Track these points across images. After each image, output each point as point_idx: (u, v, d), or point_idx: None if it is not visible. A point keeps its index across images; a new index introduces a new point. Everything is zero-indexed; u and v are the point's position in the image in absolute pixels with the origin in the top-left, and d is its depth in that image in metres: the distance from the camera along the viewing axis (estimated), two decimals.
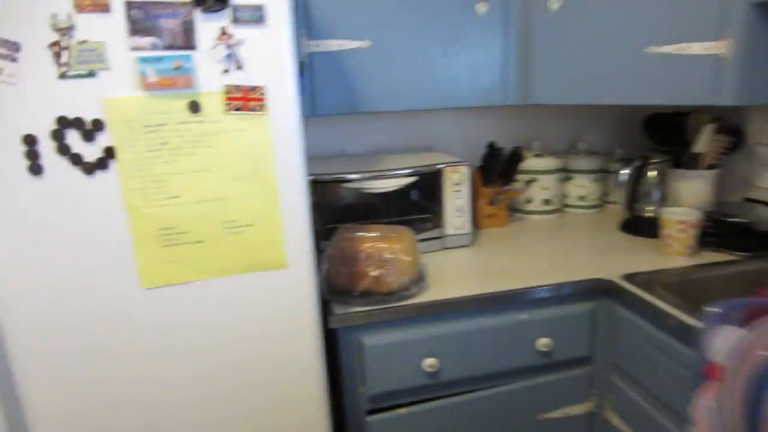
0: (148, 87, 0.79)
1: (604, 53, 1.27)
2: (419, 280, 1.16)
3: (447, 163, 1.39)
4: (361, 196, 1.37)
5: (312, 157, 1.62)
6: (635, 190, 1.50)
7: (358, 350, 1.13)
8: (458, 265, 1.34)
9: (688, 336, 1.02)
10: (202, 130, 0.82)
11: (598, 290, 1.23)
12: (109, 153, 0.79)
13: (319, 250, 1.36)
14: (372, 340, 1.12)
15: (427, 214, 1.42)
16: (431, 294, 1.16)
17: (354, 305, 1.12)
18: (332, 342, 1.15)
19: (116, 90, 0.78)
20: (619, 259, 1.32)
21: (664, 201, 1.49)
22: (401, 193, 1.38)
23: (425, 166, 1.39)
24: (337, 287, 1.14)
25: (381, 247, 1.13)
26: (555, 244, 1.45)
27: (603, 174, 1.72)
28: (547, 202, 1.65)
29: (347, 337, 1.12)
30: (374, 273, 1.12)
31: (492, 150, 1.50)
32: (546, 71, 1.36)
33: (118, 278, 0.83)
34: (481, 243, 1.48)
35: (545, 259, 1.33)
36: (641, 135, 1.73)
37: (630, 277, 1.21)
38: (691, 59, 1.16)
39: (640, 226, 1.50)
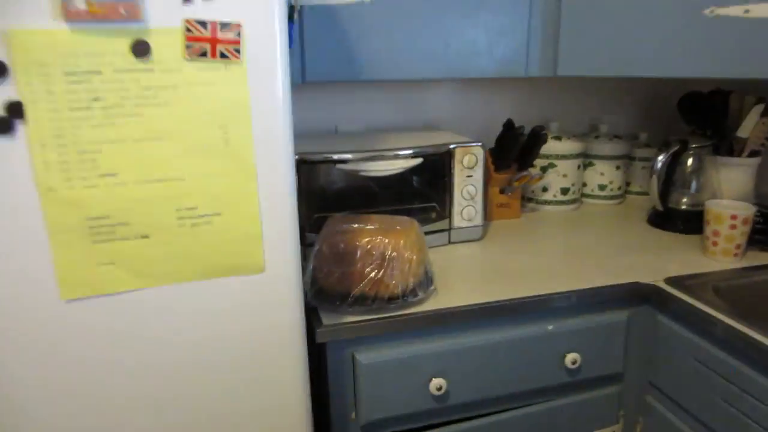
0: (74, 17, 0.56)
1: (650, 16, 1.06)
2: (427, 283, 0.96)
3: (458, 143, 1.18)
4: (355, 180, 1.16)
5: (298, 134, 1.40)
6: (669, 179, 1.31)
7: (352, 369, 0.92)
8: (469, 264, 1.13)
9: (750, 354, 0.84)
10: (151, 83, 0.60)
11: (637, 297, 1.04)
12: (15, 111, 0.57)
13: (305, 244, 1.15)
14: (368, 356, 0.91)
15: (432, 203, 1.21)
16: (441, 300, 0.95)
17: (347, 314, 0.91)
18: (318, 359, 0.94)
19: (26, 19, 0.55)
20: (654, 258, 1.13)
21: (700, 192, 1.31)
22: (402, 177, 1.17)
23: (432, 146, 1.17)
24: (326, 291, 0.93)
25: (382, 243, 0.92)
26: (578, 240, 1.25)
27: (626, 160, 1.52)
28: (564, 191, 1.46)
29: (338, 353, 0.91)
30: (373, 274, 0.91)
31: (509, 130, 1.29)
32: (577, 37, 1.15)
33: (28, 288, 0.60)
34: (492, 237, 1.28)
35: (569, 258, 1.13)
36: (671, 117, 1.55)
37: (675, 282, 1.02)
38: (759, 24, 0.97)
39: (674, 221, 1.31)
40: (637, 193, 1.58)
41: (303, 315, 0.76)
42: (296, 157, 1.09)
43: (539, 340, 0.99)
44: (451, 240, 1.24)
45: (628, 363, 1.07)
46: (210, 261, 0.65)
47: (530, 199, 1.50)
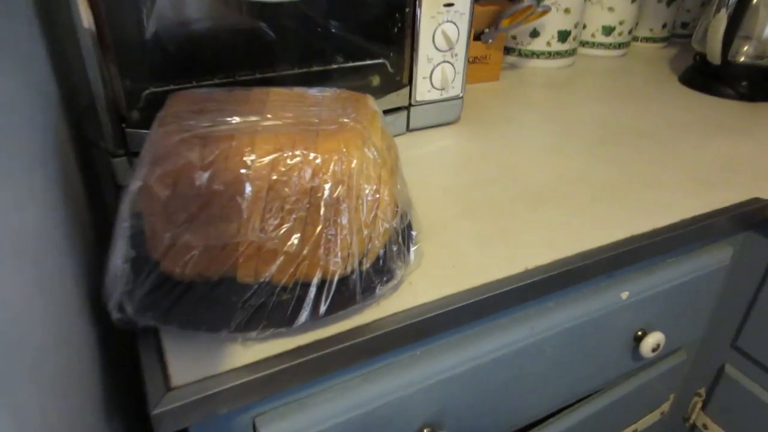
0: None
1: None
2: (405, 242, 0.44)
3: None
4: (227, 13, 0.55)
5: None
6: (735, 19, 0.83)
7: None
8: (455, 176, 0.62)
9: None
10: None
11: (746, 222, 0.60)
12: None
13: (108, 153, 0.56)
14: (286, 427, 0.41)
15: (377, 58, 0.65)
16: (431, 277, 0.45)
17: (228, 341, 0.38)
18: None
19: None
20: (738, 148, 0.69)
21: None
22: (319, 7, 0.58)
23: None
24: (169, 290, 0.38)
25: (308, 164, 0.37)
26: (606, 117, 0.77)
27: None
28: (563, 36, 0.94)
29: (218, 428, 0.40)
30: (295, 244, 0.37)
31: None
32: None
33: None
34: (472, 117, 0.76)
35: (614, 157, 0.66)
36: None
37: None
38: None
39: (732, 81, 0.87)
40: (645, 40, 1.11)
41: None
42: None
43: (607, 319, 0.53)
44: (411, 126, 0.70)
45: (710, 324, 0.66)
46: None
47: (509, 50, 0.97)
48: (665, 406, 0.73)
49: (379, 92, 0.66)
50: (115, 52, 0.52)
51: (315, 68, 0.62)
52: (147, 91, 0.55)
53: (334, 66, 0.62)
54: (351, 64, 0.63)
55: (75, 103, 0.62)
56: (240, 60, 0.59)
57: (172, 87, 0.56)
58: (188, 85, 0.57)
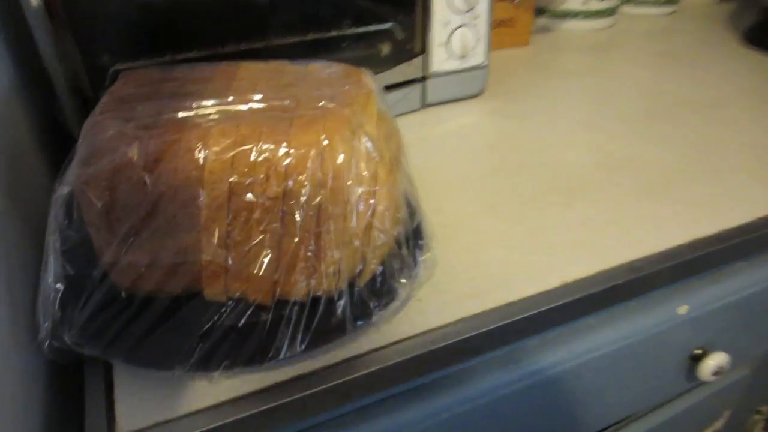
0: None
1: None
2: (410, 249, 0.35)
3: None
4: None
5: None
6: None
7: None
8: (473, 162, 0.53)
9: None
10: None
11: None
12: None
13: (73, 140, 0.48)
14: None
15: (385, 22, 0.55)
16: (442, 289, 0.36)
17: (186, 381, 0.31)
18: None
19: None
20: None
21: None
22: None
23: None
24: (123, 313, 0.30)
25: (276, 160, 0.28)
26: (659, 91, 0.66)
27: None
28: None
29: None
30: (265, 263, 0.29)
31: None
32: None
33: None
34: (499, 90, 0.66)
35: (658, 133, 0.55)
36: None
37: None
38: None
39: None
40: None
41: None
42: None
43: (659, 339, 0.44)
44: (427, 101, 0.61)
45: None
46: None
47: (540, 11, 0.86)
48: (718, 424, 0.64)
49: (388, 63, 0.56)
50: (71, 21, 0.44)
51: (311, 36, 0.53)
52: (114, 68, 0.47)
53: (334, 33, 0.53)
54: (353, 30, 0.54)
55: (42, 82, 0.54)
56: (224, 29, 0.50)
57: (143, 62, 0.48)
58: (162, 60, 0.48)
